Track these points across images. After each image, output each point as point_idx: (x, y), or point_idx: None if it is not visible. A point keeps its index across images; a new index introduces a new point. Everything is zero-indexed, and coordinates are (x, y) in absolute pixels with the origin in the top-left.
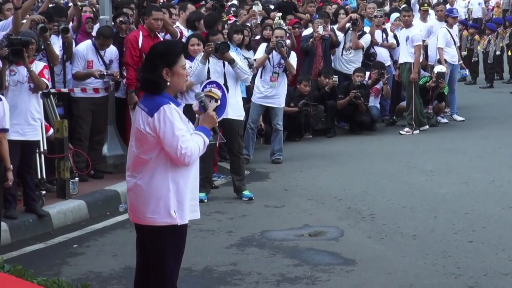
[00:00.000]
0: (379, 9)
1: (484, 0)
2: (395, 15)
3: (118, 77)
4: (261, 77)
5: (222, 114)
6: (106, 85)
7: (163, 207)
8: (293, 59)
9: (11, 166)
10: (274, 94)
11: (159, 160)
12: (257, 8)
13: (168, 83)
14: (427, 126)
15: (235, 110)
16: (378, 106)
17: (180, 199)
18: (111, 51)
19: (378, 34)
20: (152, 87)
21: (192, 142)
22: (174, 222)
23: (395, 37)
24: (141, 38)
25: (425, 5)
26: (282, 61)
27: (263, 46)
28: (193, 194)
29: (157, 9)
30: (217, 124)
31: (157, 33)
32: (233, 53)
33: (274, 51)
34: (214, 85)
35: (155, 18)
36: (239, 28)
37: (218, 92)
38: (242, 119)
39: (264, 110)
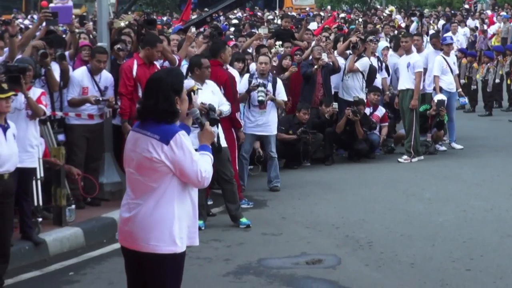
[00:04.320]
0: (373, 36)
1: (472, 29)
2: (383, 44)
3: (114, 103)
4: (249, 108)
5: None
6: (101, 112)
7: (168, 235)
8: (280, 87)
9: None
10: (265, 121)
11: (166, 187)
12: (263, 30)
13: (180, 111)
14: (422, 157)
15: (222, 138)
16: (378, 133)
17: (182, 226)
18: (106, 78)
19: (373, 62)
20: (170, 118)
21: (205, 163)
22: (178, 250)
23: (387, 67)
24: (135, 66)
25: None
26: (270, 88)
27: (245, 78)
28: (193, 221)
29: (161, 41)
30: (215, 139)
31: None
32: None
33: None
34: None
35: (158, 50)
36: (241, 56)
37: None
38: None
39: (256, 138)
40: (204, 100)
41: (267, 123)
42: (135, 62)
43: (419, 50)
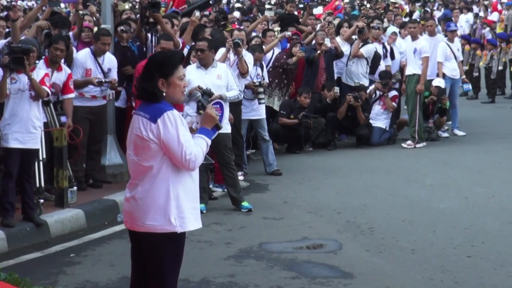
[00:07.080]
0: (378, 22)
1: (474, 16)
2: (391, 29)
3: (117, 85)
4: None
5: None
6: (104, 94)
7: (163, 215)
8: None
9: None
10: (257, 106)
11: (159, 167)
12: (270, 13)
13: (164, 94)
14: (424, 143)
15: (227, 122)
16: (384, 125)
17: (180, 207)
18: (110, 60)
19: (378, 48)
20: (148, 97)
21: (196, 146)
22: (174, 230)
23: (392, 51)
24: None
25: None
26: (260, 72)
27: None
28: (195, 203)
29: (166, 38)
30: (219, 120)
31: None
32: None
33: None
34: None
35: (162, 47)
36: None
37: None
38: (229, 131)
39: (250, 122)
40: (205, 84)
41: (260, 106)
42: None
43: (431, 34)
